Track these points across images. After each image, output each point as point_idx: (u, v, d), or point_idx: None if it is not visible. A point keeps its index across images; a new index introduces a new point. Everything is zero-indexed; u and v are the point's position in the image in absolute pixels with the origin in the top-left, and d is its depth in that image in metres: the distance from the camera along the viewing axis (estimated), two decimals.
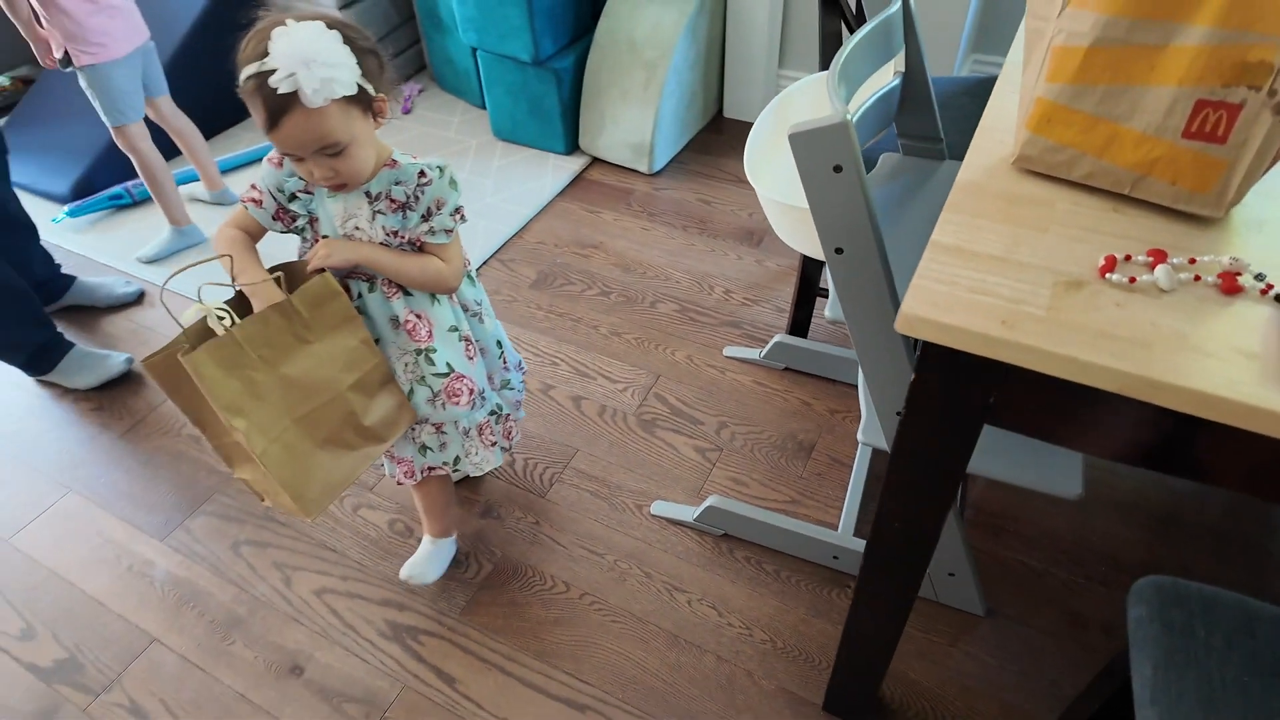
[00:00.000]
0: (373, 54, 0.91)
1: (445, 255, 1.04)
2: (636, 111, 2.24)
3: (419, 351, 1.08)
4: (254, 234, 1.04)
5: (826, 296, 1.69)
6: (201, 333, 0.93)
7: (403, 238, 1.02)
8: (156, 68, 1.99)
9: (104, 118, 1.89)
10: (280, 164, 1.00)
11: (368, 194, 0.99)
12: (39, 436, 1.67)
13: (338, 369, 1.01)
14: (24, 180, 2.30)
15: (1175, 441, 0.62)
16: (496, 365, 1.23)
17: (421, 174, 0.99)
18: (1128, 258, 0.64)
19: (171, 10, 2.46)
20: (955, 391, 0.68)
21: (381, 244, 1.01)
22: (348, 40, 0.87)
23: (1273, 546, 1.32)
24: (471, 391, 1.12)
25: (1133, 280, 0.62)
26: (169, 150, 2.34)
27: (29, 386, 1.78)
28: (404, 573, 1.31)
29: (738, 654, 1.24)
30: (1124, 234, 0.68)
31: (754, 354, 1.72)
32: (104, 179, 2.32)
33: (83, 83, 1.85)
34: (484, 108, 2.61)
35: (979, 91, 1.42)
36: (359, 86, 0.89)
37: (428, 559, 1.31)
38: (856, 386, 1.64)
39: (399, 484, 1.39)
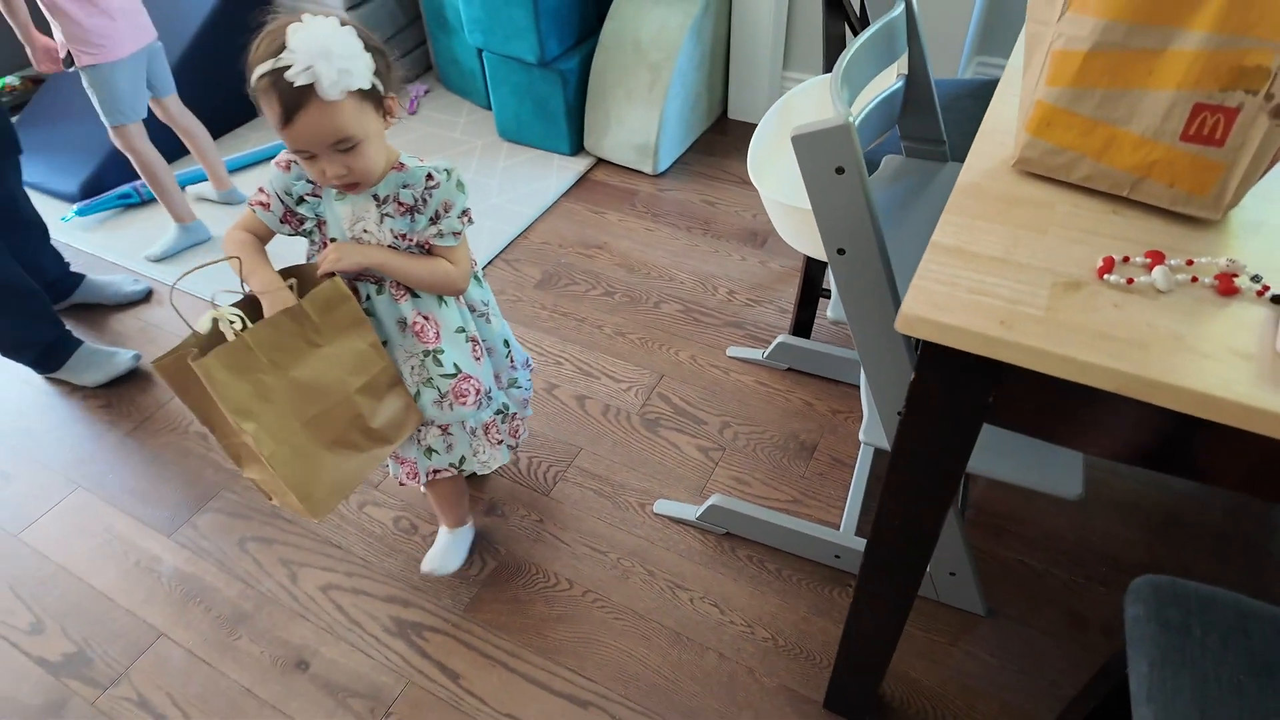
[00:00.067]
0: (381, 54, 0.92)
1: (453, 257, 1.05)
2: (641, 112, 2.25)
3: (426, 353, 1.09)
4: (262, 236, 1.05)
5: (829, 297, 1.70)
6: (211, 335, 0.94)
7: (410, 240, 1.03)
8: (164, 68, 2.01)
9: (103, 117, 1.90)
10: (288, 168, 1.00)
11: (375, 197, 1.00)
12: (48, 433, 1.68)
13: (346, 372, 1.02)
14: (33, 179, 2.32)
15: (1173, 441, 0.63)
16: (504, 364, 1.24)
17: (429, 177, 1.00)
18: (1126, 259, 0.65)
19: (180, 11, 2.48)
20: (955, 391, 0.68)
21: (389, 247, 1.02)
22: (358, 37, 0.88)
23: (1273, 547, 1.32)
24: (478, 392, 1.13)
25: (1130, 281, 0.63)
26: (177, 150, 2.36)
27: (38, 383, 1.79)
28: (426, 566, 1.33)
29: (739, 652, 1.24)
30: (1122, 236, 0.68)
31: (757, 354, 1.72)
32: (113, 178, 2.34)
33: (85, 82, 1.86)
34: (489, 108, 2.62)
35: (982, 94, 1.43)
36: (371, 82, 0.90)
37: (446, 549, 1.34)
38: (859, 387, 1.64)
39: (401, 485, 1.40)
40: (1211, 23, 0.62)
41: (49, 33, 1.85)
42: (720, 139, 2.50)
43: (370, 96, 0.91)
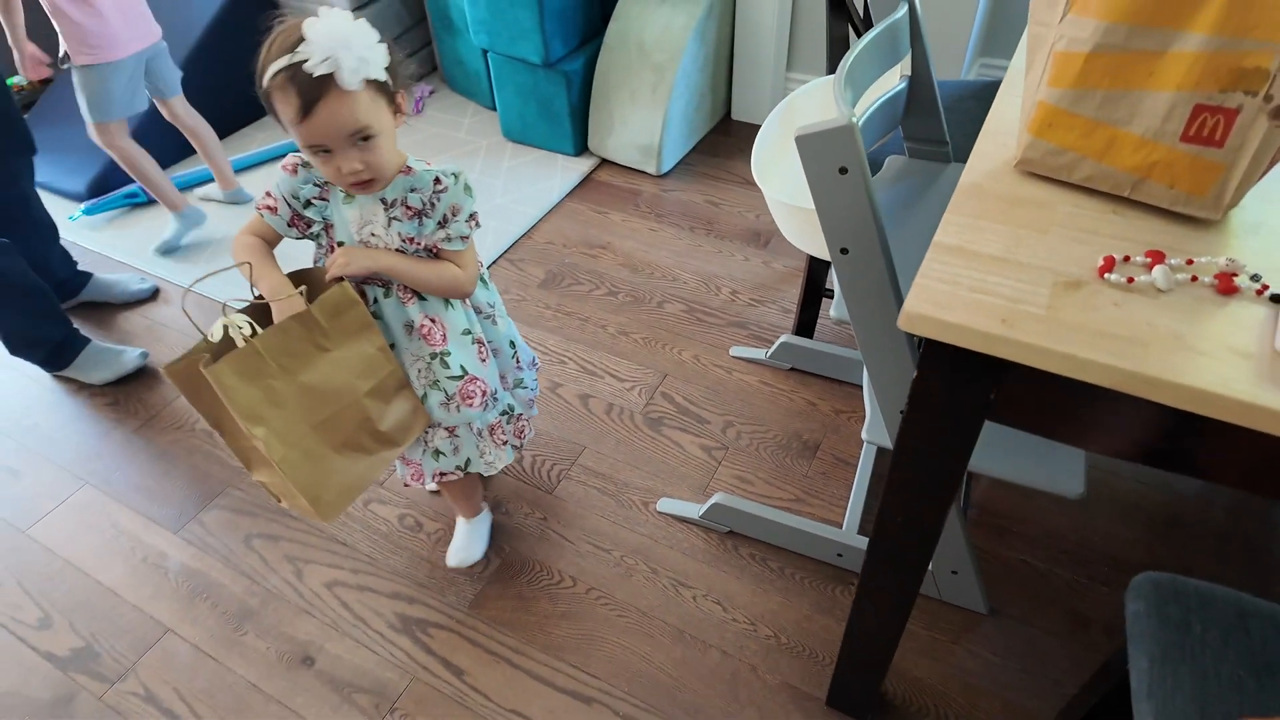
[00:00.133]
0: (390, 49, 0.93)
1: (460, 261, 1.05)
2: (645, 113, 2.26)
3: (433, 355, 1.09)
4: (270, 240, 1.05)
5: (832, 297, 1.71)
6: (222, 340, 0.94)
7: (418, 244, 1.03)
8: (169, 68, 2.02)
9: (86, 114, 1.91)
10: (295, 171, 1.01)
11: (383, 200, 1.00)
12: (55, 430, 1.70)
13: (355, 376, 1.03)
14: (41, 178, 2.33)
15: (1173, 439, 0.63)
16: (509, 365, 1.25)
17: (437, 180, 1.00)
18: (1126, 258, 0.66)
19: (187, 12, 2.50)
20: (957, 388, 0.69)
21: (397, 250, 1.03)
22: None
23: (1274, 547, 1.33)
24: (484, 393, 1.14)
25: (1131, 280, 0.64)
26: (183, 150, 2.38)
27: (45, 381, 1.81)
28: (451, 560, 1.36)
29: (742, 649, 1.25)
30: (1123, 235, 0.69)
31: (760, 354, 1.73)
32: (120, 177, 2.35)
33: (76, 80, 1.87)
34: (494, 109, 2.63)
35: (985, 95, 1.43)
36: (385, 75, 0.91)
37: (468, 540, 1.37)
38: (861, 387, 1.65)
39: (406, 486, 1.41)
40: (1211, 25, 0.63)
41: (48, 33, 1.86)
42: (723, 140, 2.51)
43: (383, 91, 0.92)
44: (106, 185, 2.35)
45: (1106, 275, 0.64)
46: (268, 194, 1.03)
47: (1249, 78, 0.62)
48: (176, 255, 2.16)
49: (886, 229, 0.83)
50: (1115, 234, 0.69)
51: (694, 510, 1.43)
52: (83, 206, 2.29)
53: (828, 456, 1.53)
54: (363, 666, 1.26)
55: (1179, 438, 0.63)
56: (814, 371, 1.69)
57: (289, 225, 1.04)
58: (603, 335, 1.83)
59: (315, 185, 1.01)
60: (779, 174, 1.34)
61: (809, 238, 1.28)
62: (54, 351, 1.74)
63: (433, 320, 1.08)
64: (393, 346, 1.09)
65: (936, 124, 1.21)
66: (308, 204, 1.02)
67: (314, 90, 0.86)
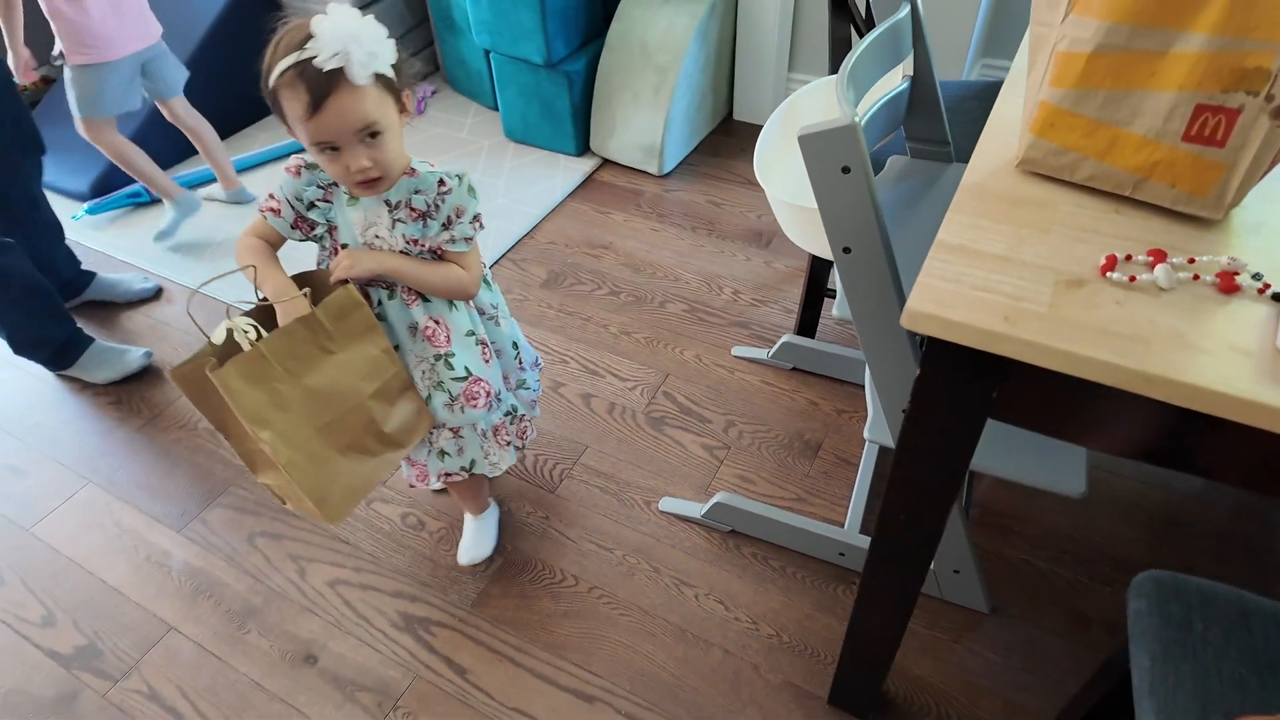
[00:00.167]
0: (396, 48, 0.94)
1: (465, 263, 1.05)
2: (647, 114, 2.27)
3: (438, 357, 1.09)
4: (273, 242, 1.04)
5: (834, 297, 1.71)
6: (227, 344, 0.95)
7: (423, 246, 1.03)
8: (169, 69, 2.02)
9: (74, 108, 1.91)
10: (298, 173, 1.01)
11: (387, 202, 1.00)
12: (59, 429, 1.70)
13: (359, 378, 1.03)
14: (45, 178, 2.34)
15: (1174, 437, 0.64)
16: (513, 366, 1.25)
17: (441, 182, 1.00)
18: (1128, 257, 0.66)
19: (189, 12, 2.50)
20: (959, 386, 0.69)
21: (401, 252, 1.03)
22: None
23: (1276, 547, 1.33)
24: (488, 394, 1.14)
25: (1133, 279, 0.64)
26: (185, 150, 2.38)
27: (49, 380, 1.81)
28: (463, 558, 1.37)
29: (744, 648, 1.25)
30: (1125, 235, 0.69)
31: (762, 354, 1.73)
32: (123, 177, 2.36)
33: (67, 77, 1.88)
34: (496, 109, 2.64)
35: (987, 95, 1.44)
36: (392, 71, 0.91)
37: (477, 536, 1.38)
38: (863, 387, 1.65)
39: (411, 486, 1.42)
40: (1213, 25, 0.63)
41: (45, 31, 1.87)
42: (725, 140, 2.51)
43: (390, 89, 0.92)
44: (109, 185, 2.35)
45: (1108, 274, 0.64)
46: (271, 196, 1.02)
47: (1250, 78, 0.62)
48: (181, 253, 2.16)
49: (888, 228, 0.83)
50: (1117, 233, 0.69)
51: (696, 509, 1.43)
52: (85, 206, 2.29)
53: (829, 456, 1.54)
54: (365, 665, 1.26)
55: (1180, 435, 0.63)
56: (816, 371, 1.70)
57: (292, 227, 1.03)
58: (605, 335, 1.83)
59: (319, 187, 1.01)
60: (781, 173, 1.34)
61: (811, 237, 1.28)
62: (58, 351, 1.74)
63: (436, 322, 1.08)
64: (396, 348, 1.09)
65: (938, 124, 1.21)
66: (311, 206, 1.02)
67: (324, 85, 0.86)
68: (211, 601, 1.37)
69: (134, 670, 1.28)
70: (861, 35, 1.39)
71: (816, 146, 0.77)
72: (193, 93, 2.14)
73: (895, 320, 0.87)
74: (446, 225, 1.02)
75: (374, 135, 0.92)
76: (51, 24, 1.81)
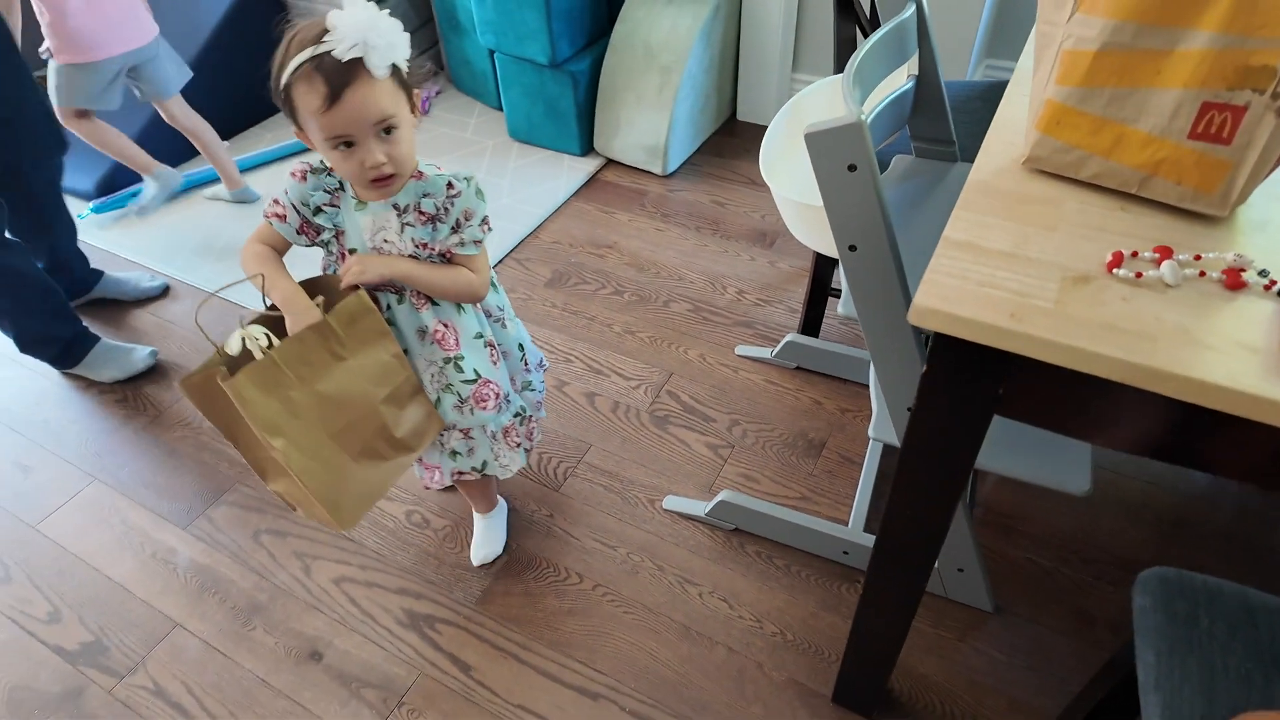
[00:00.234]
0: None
1: (474, 265, 1.05)
2: (651, 114, 2.27)
3: (447, 360, 1.09)
4: (279, 248, 1.04)
5: (838, 296, 1.71)
6: (239, 352, 0.94)
7: (432, 249, 1.02)
8: (163, 70, 2.02)
9: (54, 98, 1.92)
10: (304, 178, 1.00)
11: (396, 206, 1.00)
12: (65, 427, 1.71)
13: (371, 383, 1.02)
14: None
15: (1179, 432, 0.64)
16: (519, 368, 1.24)
17: (449, 185, 1.00)
18: (1134, 254, 0.66)
19: (195, 13, 2.51)
20: (965, 382, 0.70)
21: (410, 256, 1.02)
22: None
23: None
24: (498, 395, 1.14)
25: (1139, 275, 0.64)
26: (187, 150, 2.38)
27: (55, 377, 1.82)
28: (476, 558, 1.38)
29: (748, 646, 1.26)
30: (1131, 232, 0.69)
31: (766, 353, 1.74)
32: (128, 176, 2.37)
33: (50, 67, 1.89)
34: (500, 109, 2.64)
35: (991, 95, 1.44)
36: (406, 66, 0.91)
37: (487, 535, 1.39)
38: (867, 386, 1.66)
39: (426, 489, 1.42)
40: (1219, 23, 0.63)
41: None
42: (729, 140, 2.52)
43: (403, 85, 0.92)
44: (115, 184, 2.36)
45: (1115, 270, 0.65)
46: (275, 201, 1.01)
47: (1256, 75, 0.63)
48: (186, 253, 2.16)
49: (894, 227, 0.83)
50: (1123, 230, 0.70)
51: (700, 508, 1.43)
52: (91, 205, 2.30)
53: (833, 455, 1.54)
54: (370, 662, 1.27)
55: (1186, 431, 0.63)
56: (820, 370, 1.70)
57: (298, 233, 1.02)
58: (609, 334, 1.84)
59: (326, 192, 1.00)
60: (786, 173, 1.34)
61: (817, 235, 1.29)
62: (64, 350, 1.75)
63: (445, 325, 1.08)
64: (406, 352, 1.08)
65: (944, 123, 1.21)
66: (318, 211, 1.01)
67: (342, 76, 0.86)
68: (217, 598, 1.37)
69: (140, 666, 1.28)
70: (866, 35, 1.40)
71: (823, 144, 0.77)
72: (198, 92, 2.15)
73: (901, 318, 0.87)
74: (455, 228, 1.01)
75: (389, 131, 0.92)
76: (39, 20, 1.82)
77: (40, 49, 1.87)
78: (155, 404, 1.74)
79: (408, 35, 0.90)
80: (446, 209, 1.00)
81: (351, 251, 1.02)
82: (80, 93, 1.92)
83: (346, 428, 1.01)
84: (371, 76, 0.87)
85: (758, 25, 2.36)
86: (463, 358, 1.09)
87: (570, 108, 2.33)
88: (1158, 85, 0.67)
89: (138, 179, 2.35)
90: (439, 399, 1.12)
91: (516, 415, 1.24)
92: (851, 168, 0.78)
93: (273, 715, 1.21)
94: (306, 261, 1.09)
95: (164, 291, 2.05)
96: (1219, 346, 0.58)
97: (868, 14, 1.41)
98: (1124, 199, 0.73)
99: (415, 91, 0.96)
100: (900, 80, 1.15)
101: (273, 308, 0.99)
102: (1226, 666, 0.71)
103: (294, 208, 1.01)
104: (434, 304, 1.07)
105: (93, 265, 1.99)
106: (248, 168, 2.47)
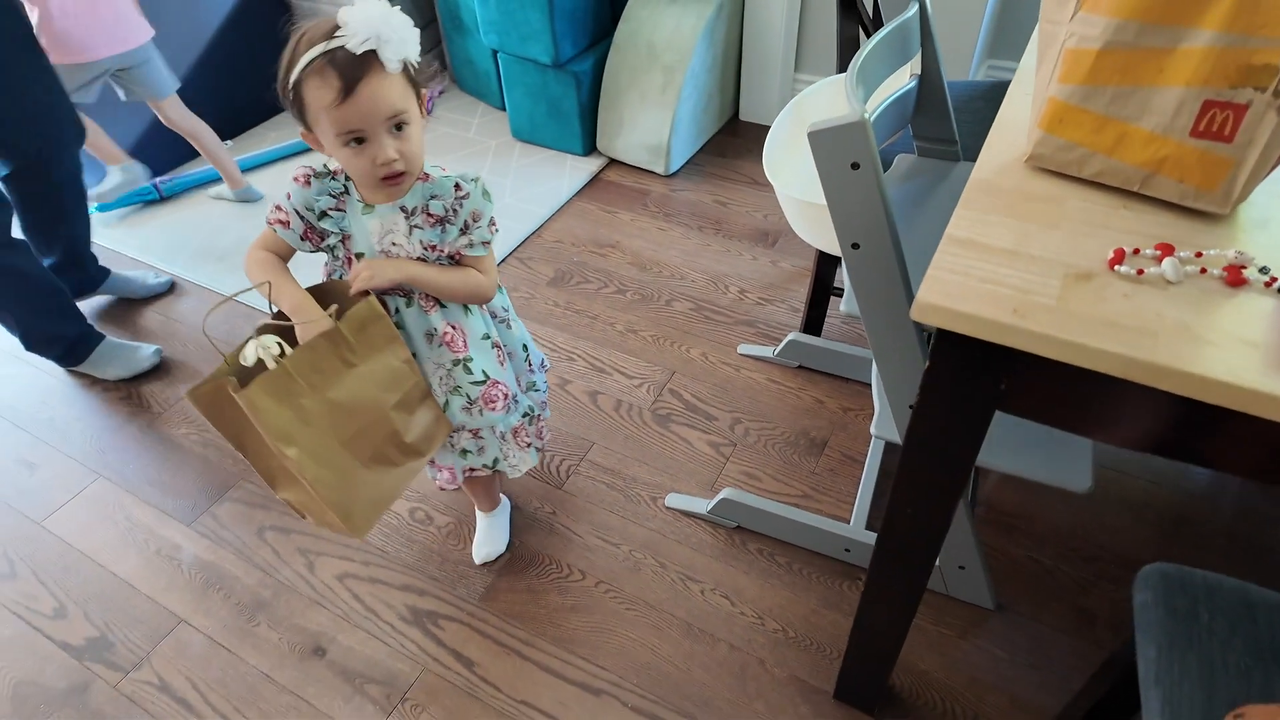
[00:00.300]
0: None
1: (482, 266, 1.05)
2: (654, 114, 2.28)
3: (455, 362, 1.09)
4: (283, 255, 1.03)
5: (840, 296, 1.72)
6: (244, 359, 0.93)
7: (441, 251, 1.02)
8: (155, 72, 2.02)
9: None
10: (307, 182, 0.99)
11: (403, 209, 0.99)
12: (70, 424, 1.71)
13: (382, 389, 1.02)
14: None
15: (1181, 428, 0.64)
16: (523, 369, 1.24)
17: (457, 186, 0.99)
18: (1136, 251, 0.67)
19: (199, 12, 2.52)
20: (967, 378, 0.70)
21: (418, 259, 1.01)
22: None
23: None
24: (506, 396, 1.14)
25: (1140, 272, 0.65)
26: (186, 152, 2.38)
27: (59, 375, 1.83)
28: (479, 556, 1.38)
29: (750, 643, 1.26)
30: (1133, 229, 0.70)
31: (768, 352, 1.74)
32: None
33: None
34: (503, 109, 2.65)
35: (994, 95, 1.45)
36: (415, 66, 0.91)
37: (490, 533, 1.39)
38: (869, 385, 1.66)
39: (442, 489, 1.43)
40: (1221, 22, 0.64)
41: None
42: (732, 140, 2.52)
43: (413, 83, 0.92)
44: None
45: (1116, 267, 0.65)
46: (278, 208, 1.00)
47: (1258, 74, 0.63)
48: (190, 252, 2.17)
49: (896, 225, 0.84)
50: (1125, 228, 0.70)
51: (702, 505, 1.44)
52: (95, 204, 2.31)
53: (835, 453, 1.54)
54: (374, 658, 1.27)
55: (1187, 427, 0.63)
56: (821, 369, 1.70)
57: (302, 238, 1.01)
58: (611, 333, 1.84)
59: (331, 196, 0.99)
60: (789, 172, 1.35)
61: (820, 233, 1.29)
62: (69, 348, 1.76)
63: (454, 327, 1.07)
64: (414, 356, 1.08)
65: (946, 123, 1.22)
66: (323, 215, 1.00)
67: (356, 69, 0.85)
68: (221, 594, 1.38)
69: (145, 662, 1.29)
70: (869, 35, 1.40)
71: (826, 142, 0.78)
72: (202, 91, 2.16)
73: (903, 315, 0.88)
74: (464, 230, 1.01)
75: (400, 127, 0.91)
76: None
77: None
78: (160, 401, 1.75)
79: (418, 31, 0.90)
80: (455, 210, 1.00)
81: (358, 256, 1.01)
82: (73, 91, 1.92)
83: (357, 434, 1.00)
84: (384, 70, 0.87)
85: (760, 25, 2.36)
86: (471, 359, 1.09)
87: (573, 107, 2.34)
88: (1160, 84, 0.68)
89: (145, 177, 2.36)
90: (447, 401, 1.12)
91: (525, 415, 1.24)
92: (854, 166, 0.78)
93: (277, 711, 1.22)
94: (310, 267, 1.09)
95: (170, 289, 2.05)
96: (1220, 342, 0.59)
97: (870, 14, 1.42)
98: (1126, 197, 0.74)
99: (423, 91, 0.96)
100: (903, 80, 1.16)
101: (279, 315, 0.98)
102: (1226, 661, 0.71)
103: (297, 213, 1.00)
104: (442, 306, 1.07)
105: (99, 263, 2.00)
106: (250, 168, 2.48)
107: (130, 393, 1.77)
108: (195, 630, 1.33)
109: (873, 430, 1.06)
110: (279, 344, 0.92)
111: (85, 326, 1.78)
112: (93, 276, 1.94)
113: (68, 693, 1.26)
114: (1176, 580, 0.77)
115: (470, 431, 1.19)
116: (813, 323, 1.73)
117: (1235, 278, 0.63)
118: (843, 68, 1.42)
